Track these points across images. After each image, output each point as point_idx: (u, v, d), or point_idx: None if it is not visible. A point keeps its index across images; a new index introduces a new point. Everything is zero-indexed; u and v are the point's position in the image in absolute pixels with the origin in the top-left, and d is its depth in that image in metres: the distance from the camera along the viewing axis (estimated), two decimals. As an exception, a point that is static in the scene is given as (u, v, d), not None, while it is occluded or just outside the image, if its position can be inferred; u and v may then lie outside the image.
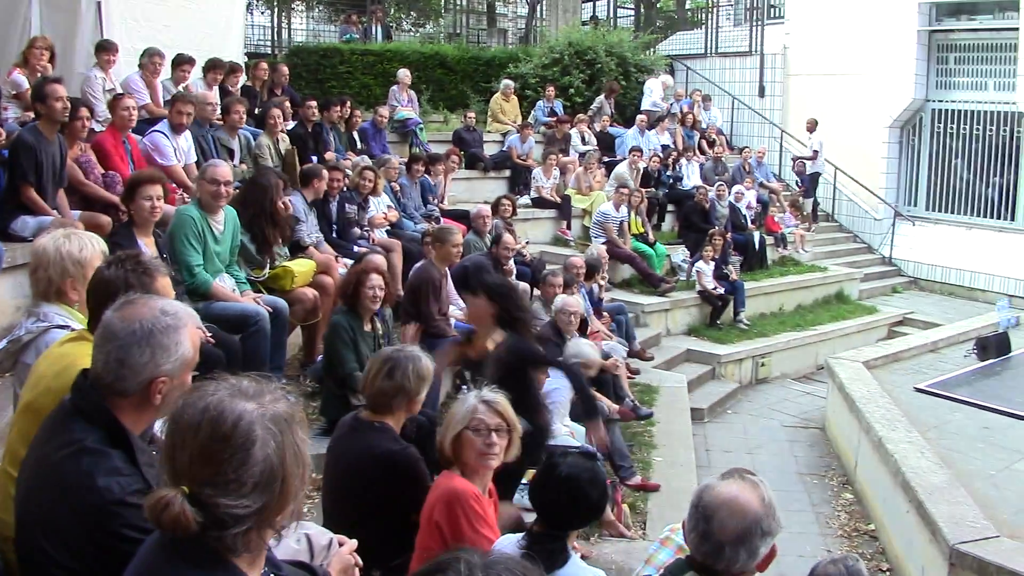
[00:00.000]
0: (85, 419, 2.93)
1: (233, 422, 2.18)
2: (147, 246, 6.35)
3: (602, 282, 11.88)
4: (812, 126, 20.06)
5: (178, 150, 9.36)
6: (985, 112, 19.67)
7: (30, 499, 2.98)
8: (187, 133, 9.59)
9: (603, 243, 13.81)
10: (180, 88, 11.09)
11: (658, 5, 32.80)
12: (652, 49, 23.45)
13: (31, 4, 10.78)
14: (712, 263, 14.38)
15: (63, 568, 2.80)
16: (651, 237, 15.15)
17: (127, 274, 3.64)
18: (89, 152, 8.44)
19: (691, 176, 17.51)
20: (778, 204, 18.46)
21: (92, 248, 4.27)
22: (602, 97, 19.20)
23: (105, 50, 10.79)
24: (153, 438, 3.34)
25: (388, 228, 11.00)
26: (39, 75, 8.83)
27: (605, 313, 11.39)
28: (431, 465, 5.26)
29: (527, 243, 12.80)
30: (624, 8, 31.14)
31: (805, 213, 19.22)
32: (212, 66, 12.09)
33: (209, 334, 5.91)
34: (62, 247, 4.24)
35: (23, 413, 3.58)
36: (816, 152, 19.92)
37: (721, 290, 14.32)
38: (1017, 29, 18.34)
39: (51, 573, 2.83)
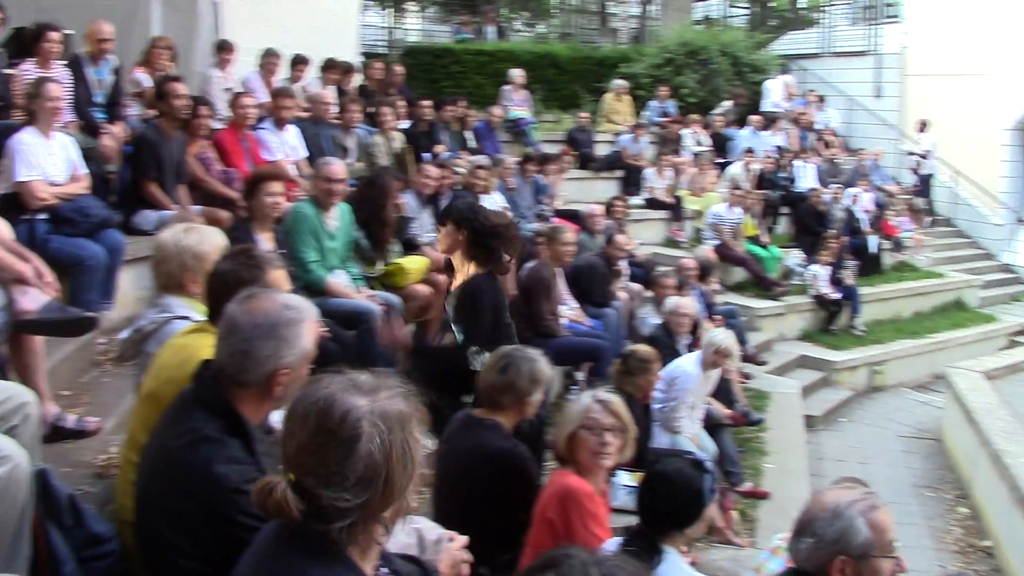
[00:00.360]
0: (205, 408, 3.00)
1: (341, 416, 2.19)
2: (265, 241, 6.46)
3: (715, 284, 11.77)
4: (922, 127, 19.63)
5: (283, 145, 9.52)
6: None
7: (150, 485, 3.07)
8: (294, 129, 9.75)
9: (716, 245, 13.68)
10: (296, 87, 11.30)
11: (772, 4, 32.34)
12: (765, 48, 23.14)
13: (150, 5, 11.06)
14: (827, 267, 14.14)
15: (181, 552, 2.89)
16: (765, 240, 14.93)
17: (239, 267, 3.71)
18: (209, 149, 8.63)
19: (806, 178, 17.21)
20: (895, 207, 18.02)
21: (211, 242, 4.34)
22: (731, 103, 18.99)
23: (223, 50, 11.08)
24: (271, 429, 3.42)
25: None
26: (160, 74, 9.05)
27: (717, 316, 11.28)
28: (540, 465, 5.29)
29: (639, 244, 12.71)
30: (737, 7, 30.81)
31: (919, 211, 18.78)
32: (328, 66, 12.28)
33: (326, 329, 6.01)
34: (181, 241, 4.33)
35: (144, 401, 3.68)
36: (928, 152, 19.48)
37: (836, 295, 14.07)
38: None
39: (169, 557, 2.92)
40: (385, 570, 2.55)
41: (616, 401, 4.51)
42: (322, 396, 2.23)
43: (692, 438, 7.62)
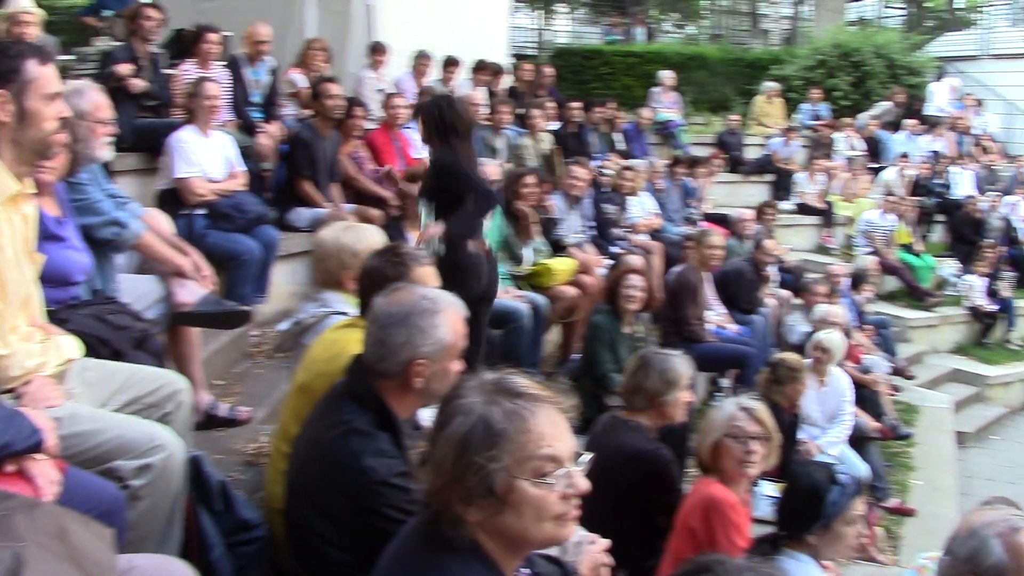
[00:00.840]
0: (356, 401, 3.07)
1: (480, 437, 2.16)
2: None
3: (868, 293, 11.51)
4: None
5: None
6: None
7: (301, 474, 3.16)
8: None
9: (868, 252, 13.37)
10: (446, 89, 11.45)
11: (928, 4, 31.45)
12: (921, 50, 22.50)
13: (306, 7, 11.34)
14: (983, 278, 13.70)
15: (327, 542, 2.96)
16: (919, 248, 14.50)
17: (385, 264, 3.77)
18: (362, 148, 8.80)
19: (962, 185, 16.64)
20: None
21: (368, 240, 4.44)
22: (890, 104, 18.51)
23: (376, 51, 11.29)
24: (419, 426, 3.47)
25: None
26: (315, 75, 9.26)
27: (868, 326, 11.01)
28: (680, 469, 5.25)
29: (788, 250, 12.51)
30: (892, 7, 30.04)
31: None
32: (478, 67, 12.40)
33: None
34: (340, 239, 4.47)
35: (297, 393, 3.77)
36: None
37: (992, 307, 13.62)
38: None
39: (316, 545, 2.99)
40: (527, 570, 2.54)
41: (761, 409, 4.46)
42: (463, 406, 2.20)
43: (827, 448, 7.48)
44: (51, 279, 3.78)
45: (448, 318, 3.11)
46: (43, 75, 3.04)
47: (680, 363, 4.83)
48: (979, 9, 26.76)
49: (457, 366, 3.11)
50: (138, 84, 7.68)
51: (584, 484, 2.21)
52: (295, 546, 3.19)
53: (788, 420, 6.62)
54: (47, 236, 3.75)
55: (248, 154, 7.69)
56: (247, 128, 8.33)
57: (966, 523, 3.07)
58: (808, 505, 3.87)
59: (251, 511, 3.60)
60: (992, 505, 3.18)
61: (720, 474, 4.37)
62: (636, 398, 4.82)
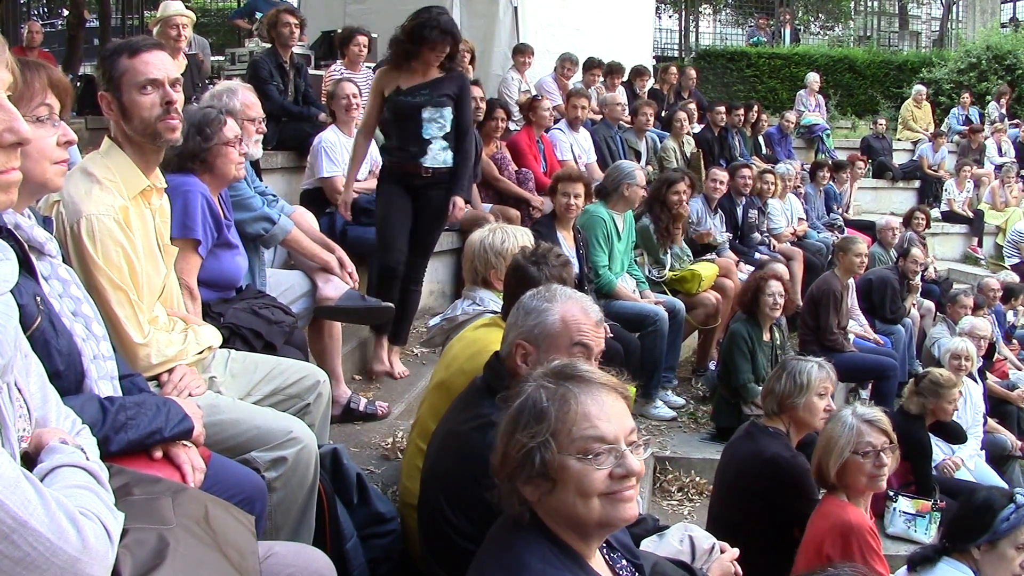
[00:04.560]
0: (494, 396, 3.05)
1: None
2: (565, 239, 6.59)
3: (1020, 307, 11.12)
4: None
5: (575, 146, 9.67)
6: None
7: (437, 465, 3.20)
8: (585, 132, 9.90)
9: (1017, 263, 12.93)
10: (591, 91, 11.46)
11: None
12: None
13: (452, 10, 11.45)
14: None
15: (460, 533, 2.97)
16: (1073, 259, 13.94)
17: (548, 268, 3.81)
18: (504, 150, 8.85)
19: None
20: None
21: (513, 241, 4.52)
22: (995, 102, 17.94)
23: (521, 53, 11.34)
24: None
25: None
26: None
27: (1015, 340, 10.64)
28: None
29: (935, 259, 12.18)
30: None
31: None
32: (614, 70, 12.36)
33: (609, 331, 6.06)
34: (486, 240, 4.59)
35: (435, 390, 3.83)
36: None
37: None
38: None
39: (448, 536, 3.02)
40: (625, 563, 2.56)
41: (883, 418, 4.33)
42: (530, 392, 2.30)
43: (967, 462, 7.26)
44: (219, 284, 3.94)
45: (562, 308, 3.10)
46: (131, 67, 3.16)
47: (814, 368, 4.74)
48: None
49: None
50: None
51: (636, 465, 2.22)
52: (427, 538, 3.23)
53: (922, 434, 6.46)
54: (222, 243, 3.91)
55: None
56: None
57: None
58: (979, 517, 3.82)
59: (386, 504, 3.67)
60: None
61: (848, 491, 4.26)
62: (768, 401, 4.78)
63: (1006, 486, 7.50)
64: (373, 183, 6.98)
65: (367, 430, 5.05)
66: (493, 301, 4.44)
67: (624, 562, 2.56)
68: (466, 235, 5.78)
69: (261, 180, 5.25)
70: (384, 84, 5.84)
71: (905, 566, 3.98)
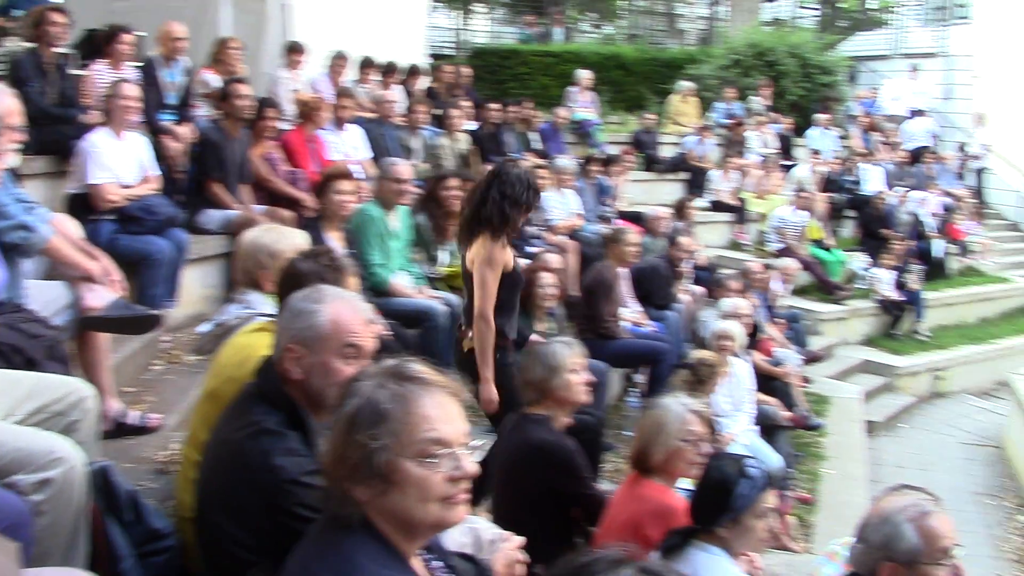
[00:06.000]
0: (266, 402, 3.07)
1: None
2: (335, 241, 6.57)
3: (782, 288, 11.70)
4: (979, 121, 19.58)
5: (343, 145, 9.67)
6: None
7: (212, 476, 3.15)
8: (356, 129, 9.92)
9: (780, 248, 13.62)
10: (362, 89, 11.45)
11: (842, 5, 31.97)
12: (834, 50, 22.88)
13: (220, 6, 11.24)
14: (892, 271, 14.02)
15: (239, 544, 2.95)
16: (830, 243, 14.80)
17: (322, 268, 3.80)
18: (276, 149, 8.75)
19: (872, 181, 16.95)
20: (962, 211, 17.72)
21: (288, 242, 4.45)
22: (757, 97, 18.77)
23: (293, 51, 11.24)
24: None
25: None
26: (228, 75, 9.19)
27: (780, 320, 11.21)
28: (594, 465, 5.28)
29: (703, 247, 12.68)
30: (806, 8, 30.50)
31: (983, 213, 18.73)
32: (390, 69, 12.39)
33: (386, 329, 6.10)
34: (259, 239, 4.50)
35: (206, 400, 3.77)
36: (984, 147, 19.55)
37: (900, 299, 13.94)
38: None
39: (227, 549, 2.98)
40: (440, 563, 2.60)
41: (706, 409, 4.52)
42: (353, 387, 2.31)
43: (739, 438, 7.61)
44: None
45: (331, 309, 3.09)
46: None
47: (561, 347, 4.82)
48: (891, 9, 27.30)
49: (345, 367, 3.04)
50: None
51: (472, 467, 2.28)
52: (206, 551, 3.18)
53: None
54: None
55: (162, 156, 7.64)
56: (154, 132, 8.21)
57: (877, 510, 3.16)
58: (717, 498, 3.86)
59: (162, 520, 3.56)
60: (900, 492, 3.26)
61: (664, 476, 4.37)
62: (528, 391, 4.83)
63: (780, 458, 7.92)
64: (143, 189, 6.83)
65: (140, 444, 4.88)
66: (264, 304, 4.35)
67: (437, 563, 2.60)
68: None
69: (19, 187, 5.04)
70: None
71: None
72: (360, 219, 7.21)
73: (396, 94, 11.85)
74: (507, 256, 5.62)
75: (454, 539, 3.25)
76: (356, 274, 4.05)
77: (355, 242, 7.07)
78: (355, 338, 3.08)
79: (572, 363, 4.77)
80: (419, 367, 2.36)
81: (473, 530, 3.40)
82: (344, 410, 2.27)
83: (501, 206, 5.51)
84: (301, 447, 3.01)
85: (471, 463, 2.28)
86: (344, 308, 3.12)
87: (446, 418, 2.27)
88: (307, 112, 9.22)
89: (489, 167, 9.49)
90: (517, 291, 5.88)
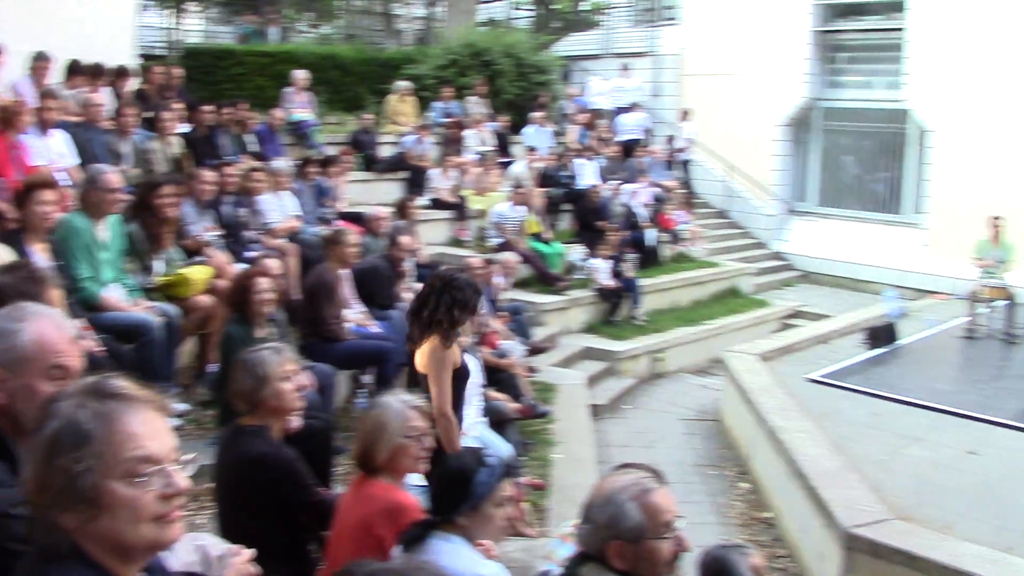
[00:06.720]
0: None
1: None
2: (39, 253, 6.23)
3: (504, 281, 11.89)
4: (684, 116, 20.81)
5: (48, 151, 9.21)
6: (872, 110, 20.27)
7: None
8: (61, 134, 9.47)
9: (500, 243, 13.89)
10: (70, 92, 10.95)
11: (555, 6, 32.97)
12: (548, 50, 23.55)
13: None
14: (608, 261, 14.53)
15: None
16: (548, 236, 15.20)
17: (20, 282, 3.58)
18: (-28, 157, 8.23)
19: (587, 175, 17.58)
20: (672, 202, 18.61)
21: None
22: (474, 96, 19.18)
23: (-8, 52, 10.59)
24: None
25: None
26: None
27: (503, 313, 11.40)
28: (326, 470, 5.21)
29: (425, 244, 12.74)
30: (521, 9, 31.27)
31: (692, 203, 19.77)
32: (96, 71, 11.88)
33: (98, 345, 5.84)
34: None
35: None
36: (689, 140, 20.78)
37: (617, 287, 14.47)
38: (903, 29, 18.98)
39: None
40: None
41: (423, 404, 4.52)
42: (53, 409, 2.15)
43: (470, 431, 7.70)
44: None
45: (33, 328, 2.90)
46: None
47: (270, 354, 4.70)
48: (603, 11, 28.32)
49: (51, 390, 2.78)
50: None
51: (183, 483, 2.17)
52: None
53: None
54: None
55: None
56: None
57: (600, 490, 3.23)
58: (457, 487, 3.88)
59: None
60: (622, 470, 3.35)
61: (392, 475, 4.35)
62: (240, 403, 4.68)
63: (510, 447, 8.04)
64: None
65: None
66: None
67: None
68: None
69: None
70: None
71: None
72: (65, 231, 6.84)
73: (104, 97, 11.38)
74: (456, 355, 6.01)
75: (180, 558, 3.14)
76: (59, 287, 3.82)
77: (61, 255, 6.72)
78: (61, 358, 2.89)
79: (282, 371, 4.66)
80: (121, 383, 2.20)
81: (200, 547, 3.31)
82: (43, 434, 2.10)
83: (451, 311, 5.88)
84: (8, 477, 2.79)
85: (183, 478, 2.17)
86: (48, 326, 2.92)
87: (153, 434, 2.14)
88: (7, 116, 8.66)
89: (202, 170, 9.28)
90: (464, 384, 6.27)
